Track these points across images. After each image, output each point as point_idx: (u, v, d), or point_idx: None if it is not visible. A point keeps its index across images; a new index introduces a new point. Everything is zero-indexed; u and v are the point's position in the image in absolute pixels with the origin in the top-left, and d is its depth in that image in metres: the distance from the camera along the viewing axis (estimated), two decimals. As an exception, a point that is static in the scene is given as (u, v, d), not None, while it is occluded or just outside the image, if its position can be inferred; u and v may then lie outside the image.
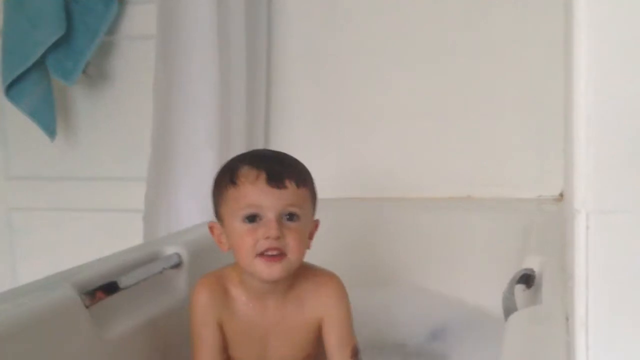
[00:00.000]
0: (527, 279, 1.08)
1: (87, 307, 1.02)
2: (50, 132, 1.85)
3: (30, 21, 1.76)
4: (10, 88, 1.79)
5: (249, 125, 1.72)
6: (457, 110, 1.72)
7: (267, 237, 0.99)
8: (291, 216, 1.02)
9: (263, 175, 1.01)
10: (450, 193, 1.71)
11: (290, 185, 1.02)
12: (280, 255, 1.00)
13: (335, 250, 1.53)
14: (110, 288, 1.09)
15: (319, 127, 1.81)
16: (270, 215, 1.00)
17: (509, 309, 0.99)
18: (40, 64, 1.79)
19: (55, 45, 1.78)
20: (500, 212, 1.57)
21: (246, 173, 1.02)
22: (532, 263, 1.10)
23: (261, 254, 1.00)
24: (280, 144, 1.79)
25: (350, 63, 1.78)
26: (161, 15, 1.66)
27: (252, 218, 1.01)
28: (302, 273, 1.09)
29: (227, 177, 1.04)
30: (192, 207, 1.56)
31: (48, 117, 1.85)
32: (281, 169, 1.03)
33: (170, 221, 1.59)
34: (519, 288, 1.07)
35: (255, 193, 1.01)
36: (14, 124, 1.97)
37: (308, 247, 1.07)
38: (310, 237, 1.08)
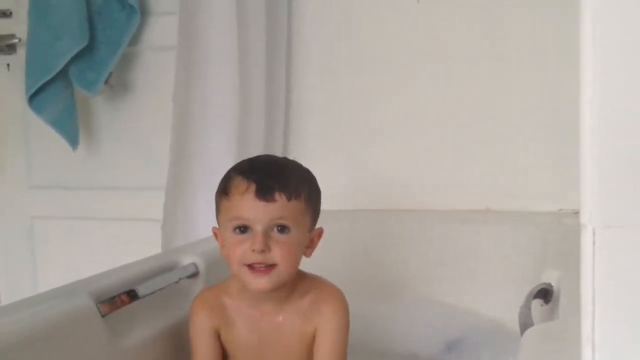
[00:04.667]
0: (545, 293, 1.06)
1: (103, 316, 1.03)
2: (73, 141, 1.87)
3: (53, 32, 1.79)
4: (33, 98, 1.81)
5: (267, 134, 1.72)
6: (476, 121, 1.70)
7: (253, 250, 1.00)
8: (282, 228, 1.02)
9: (252, 188, 1.01)
10: (468, 205, 1.69)
11: (280, 198, 1.01)
12: (267, 267, 1.01)
13: (350, 262, 1.52)
14: (130, 296, 1.10)
15: (337, 137, 1.81)
16: (257, 228, 1.01)
17: (525, 324, 0.98)
18: (63, 74, 1.81)
19: (78, 56, 1.80)
20: (520, 225, 1.56)
21: (237, 184, 1.03)
22: (551, 277, 1.09)
23: (248, 265, 1.02)
24: (298, 153, 1.78)
25: (368, 75, 1.77)
26: (182, 26, 1.67)
27: (242, 229, 1.02)
28: (305, 283, 1.09)
29: (221, 187, 1.06)
30: (210, 216, 1.56)
31: (70, 127, 1.86)
32: (272, 182, 1.02)
33: (188, 230, 1.60)
34: (537, 303, 1.05)
35: (244, 206, 1.01)
36: (36, 134, 2.00)
37: (307, 256, 1.07)
38: (312, 246, 1.08)
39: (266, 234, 1.01)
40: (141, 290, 1.12)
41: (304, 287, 1.09)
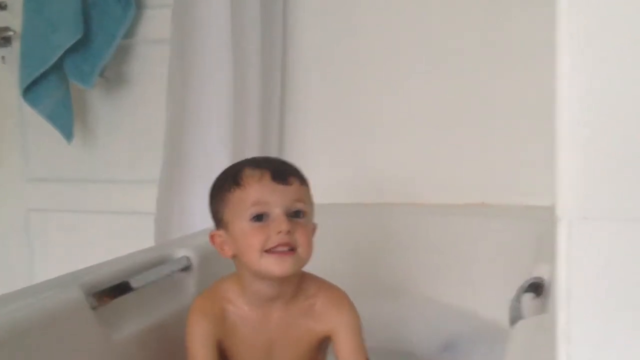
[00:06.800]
0: (536, 287, 1.06)
1: (94, 308, 1.03)
2: (68, 134, 1.87)
3: (48, 25, 1.78)
4: (28, 91, 1.81)
5: (263, 128, 1.72)
6: (471, 116, 1.70)
7: (279, 232, 0.97)
8: (297, 213, 1.01)
9: (267, 174, 1.01)
10: (464, 200, 1.69)
11: (295, 181, 1.02)
12: (291, 250, 0.99)
13: (346, 256, 1.52)
14: (121, 289, 1.10)
15: (332, 132, 1.81)
16: (278, 211, 0.99)
17: (515, 317, 0.97)
18: (58, 67, 1.81)
19: (73, 49, 1.80)
20: (514, 220, 1.55)
21: (250, 174, 1.02)
22: (542, 271, 1.09)
23: (270, 250, 0.98)
24: (293, 149, 1.79)
25: (364, 69, 1.77)
26: (176, 19, 1.66)
27: (259, 217, 1.00)
28: (310, 283, 1.08)
29: (229, 180, 1.03)
30: (204, 210, 1.55)
31: (65, 119, 1.86)
32: (284, 167, 1.04)
33: (182, 224, 1.60)
34: (528, 296, 1.05)
35: (262, 190, 1.00)
36: (32, 127, 2.00)
37: None
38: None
39: (287, 217, 0.99)
40: (133, 283, 1.12)
41: (309, 287, 1.07)
